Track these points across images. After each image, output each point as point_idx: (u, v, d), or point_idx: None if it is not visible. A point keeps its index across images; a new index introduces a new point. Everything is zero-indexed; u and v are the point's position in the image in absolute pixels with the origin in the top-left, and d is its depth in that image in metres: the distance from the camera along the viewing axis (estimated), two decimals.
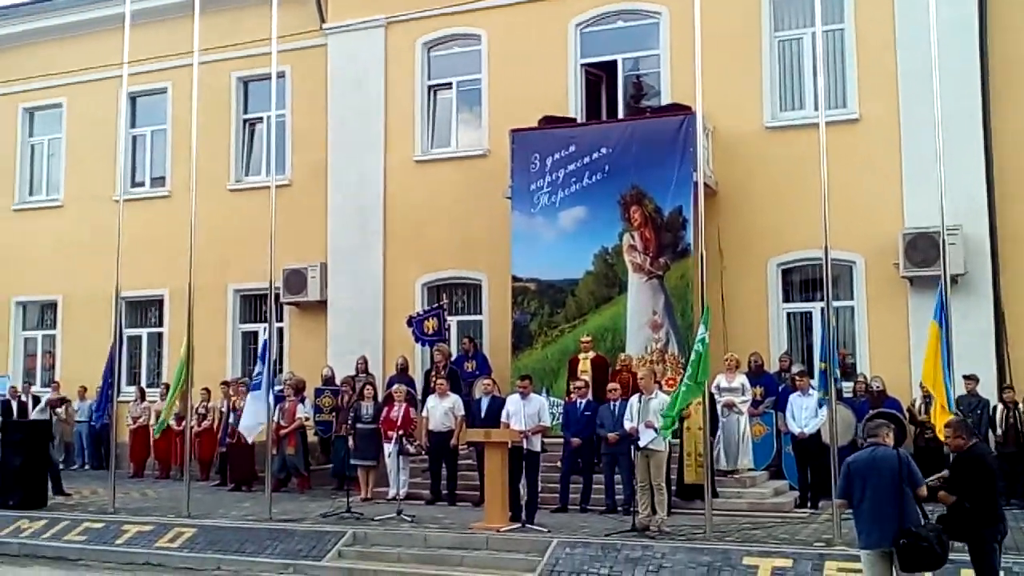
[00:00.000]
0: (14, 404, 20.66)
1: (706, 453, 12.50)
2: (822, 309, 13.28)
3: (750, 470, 14.81)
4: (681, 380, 12.27)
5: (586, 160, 16.72)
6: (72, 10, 22.46)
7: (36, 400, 21.03)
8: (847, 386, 15.26)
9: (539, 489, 13.38)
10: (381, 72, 19.35)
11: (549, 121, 17.36)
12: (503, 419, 13.66)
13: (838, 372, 13.47)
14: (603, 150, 16.64)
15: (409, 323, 17.70)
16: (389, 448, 15.02)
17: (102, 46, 20.51)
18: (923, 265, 15.04)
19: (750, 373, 15.28)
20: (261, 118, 20.85)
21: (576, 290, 16.76)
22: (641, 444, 12.32)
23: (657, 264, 16.23)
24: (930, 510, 8.02)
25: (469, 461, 15.33)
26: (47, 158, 23.44)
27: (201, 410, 18.34)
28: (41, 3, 23.02)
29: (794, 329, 16.70)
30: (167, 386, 18.14)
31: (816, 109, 13.10)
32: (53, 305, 22.76)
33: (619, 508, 13.67)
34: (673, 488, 13.44)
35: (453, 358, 17.13)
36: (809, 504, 14.10)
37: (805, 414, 14.18)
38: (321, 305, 19.39)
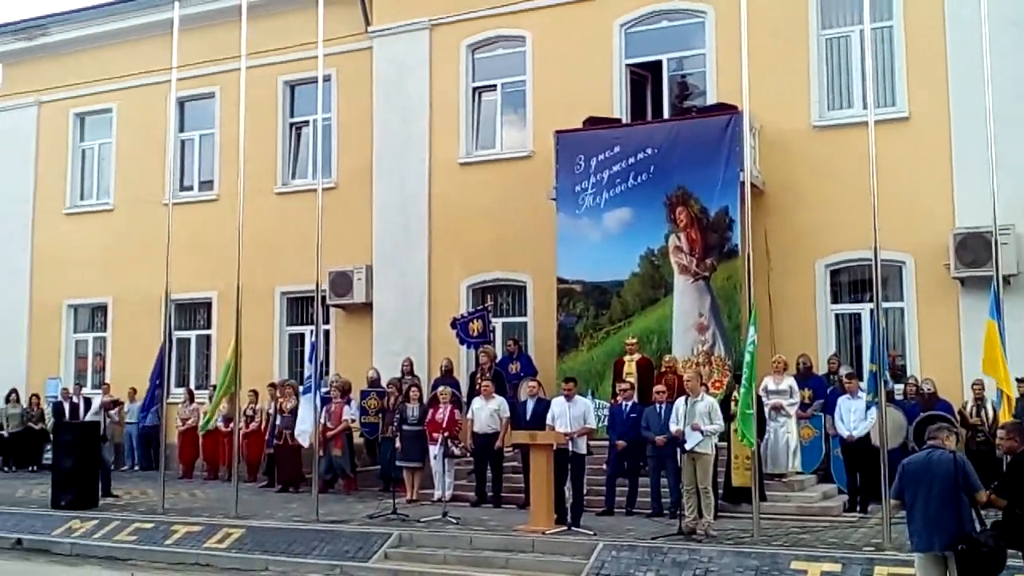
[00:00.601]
0: (66, 406, 20.97)
1: (753, 456, 12.37)
2: (871, 310, 13.11)
3: (798, 473, 14.66)
4: (740, 382, 12.09)
5: (631, 161, 16.64)
6: (121, 16, 22.78)
7: (88, 402, 21.28)
8: (897, 388, 15.05)
9: (585, 492, 13.35)
10: (426, 74, 19.41)
11: (594, 122, 17.30)
12: (548, 421, 13.64)
13: (888, 374, 13.29)
14: (648, 151, 16.55)
15: (453, 325, 17.73)
16: (434, 450, 15.05)
17: (151, 52, 20.81)
18: (974, 265, 14.79)
19: (798, 375, 15.12)
20: (307, 121, 21.01)
21: (622, 292, 16.68)
22: (687, 447, 12.22)
23: (703, 265, 16.11)
24: (985, 515, 7.87)
25: (514, 463, 15.30)
26: (98, 163, 23.77)
27: (249, 412, 18.48)
28: (91, 10, 23.39)
29: (843, 331, 16.50)
30: (215, 388, 18.30)
31: (864, 107, 12.98)
32: (103, 308, 23.08)
33: (665, 511, 13.56)
34: (720, 491, 13.34)
35: (498, 360, 17.12)
36: (858, 508, 13.91)
37: (854, 417, 13.98)
38: (367, 307, 19.48)
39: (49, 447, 19.87)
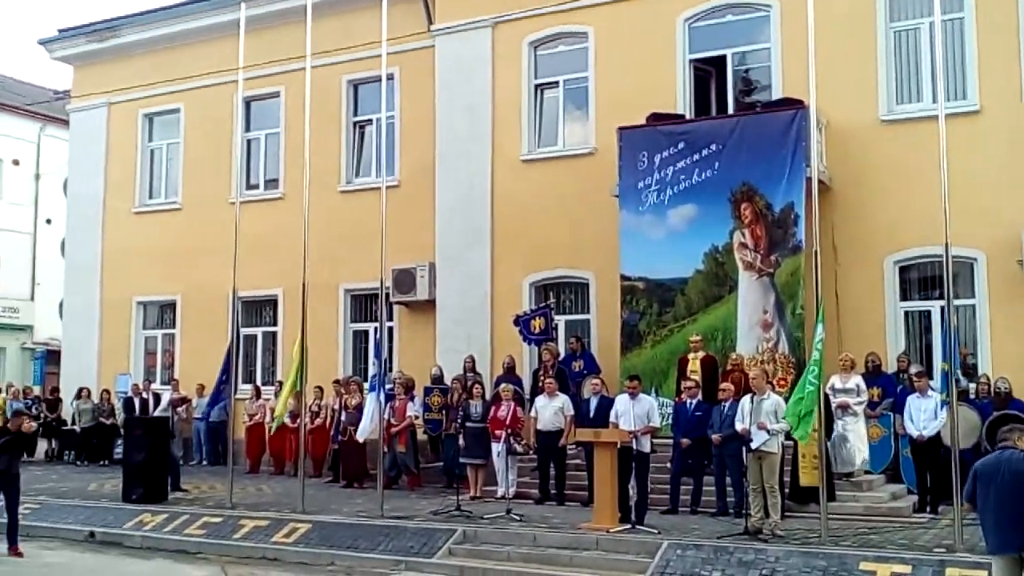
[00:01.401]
0: (136, 401, 21.37)
1: (821, 455, 12.21)
2: (942, 308, 12.88)
3: (867, 473, 14.44)
4: (803, 379, 11.93)
5: (695, 157, 16.50)
6: (188, 18, 23.14)
7: (157, 397, 21.68)
8: (970, 387, 14.74)
9: (649, 490, 13.28)
10: (488, 72, 19.42)
11: (657, 118, 17.18)
12: (612, 419, 13.61)
13: (959, 373, 13.04)
14: (713, 147, 16.40)
15: (516, 322, 17.74)
16: (497, 447, 15.08)
17: (218, 53, 21.12)
18: None
19: (867, 374, 14.90)
20: (371, 120, 21.15)
21: (686, 289, 16.56)
22: (753, 446, 12.10)
23: (768, 261, 15.93)
24: None
25: (578, 461, 15.28)
26: (166, 162, 24.14)
27: (314, 408, 18.66)
28: (159, 11, 23.77)
29: (912, 328, 16.20)
30: (281, 384, 18.52)
31: (934, 101, 12.72)
32: (172, 305, 23.46)
33: (731, 510, 13.45)
34: (787, 491, 13.19)
35: (561, 357, 17.09)
36: (928, 509, 13.68)
37: (924, 416, 13.74)
38: (430, 304, 19.57)
39: (120, 442, 20.28)
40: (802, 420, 11.61)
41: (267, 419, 19.60)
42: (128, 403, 21.56)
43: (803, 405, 11.61)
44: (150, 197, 24.19)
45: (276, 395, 18.74)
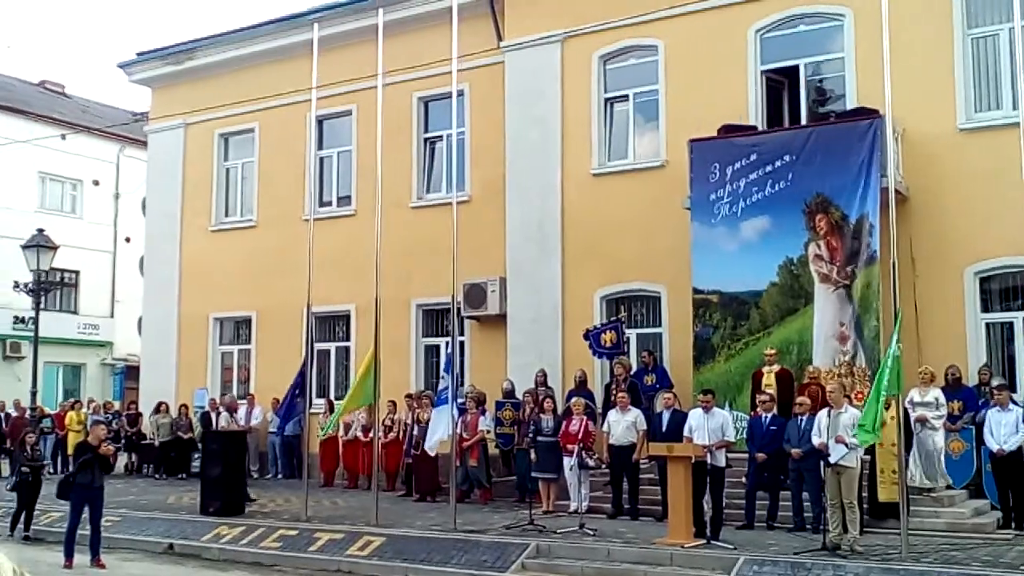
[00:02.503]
0: (213, 416, 21.70)
1: (900, 470, 11.97)
2: None
3: (948, 488, 14.13)
4: (874, 389, 11.72)
5: (768, 169, 16.33)
6: (262, 39, 23.52)
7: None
8: None
9: (724, 505, 13.13)
10: (558, 86, 19.45)
11: (729, 130, 17.04)
12: (686, 433, 13.50)
13: None
14: (786, 158, 16.21)
15: (586, 336, 17.67)
16: (569, 462, 15.03)
17: (291, 73, 21.40)
18: None
19: (948, 387, 14.57)
20: (441, 136, 21.30)
21: (760, 302, 16.38)
22: (832, 460, 11.91)
23: (844, 273, 15.69)
24: None
25: (651, 475, 15.17)
26: (241, 181, 24.54)
27: (387, 422, 18.78)
28: (234, 33, 24.22)
29: (993, 340, 15.82)
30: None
31: (1015, 108, 12.44)
32: (248, 321, 23.78)
33: (808, 526, 13.25)
34: (865, 506, 12.94)
35: (633, 371, 17.00)
36: (1013, 525, 13.32)
37: (1005, 430, 13.43)
38: (501, 319, 19.60)
39: (197, 456, 20.61)
40: (874, 429, 11.40)
41: (341, 434, 19.78)
42: (205, 417, 21.90)
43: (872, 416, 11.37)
44: (226, 215, 24.58)
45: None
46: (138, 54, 25.88)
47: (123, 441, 22.97)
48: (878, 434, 11.64)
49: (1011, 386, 14.06)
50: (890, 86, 12.20)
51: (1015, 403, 13.31)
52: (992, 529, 13.30)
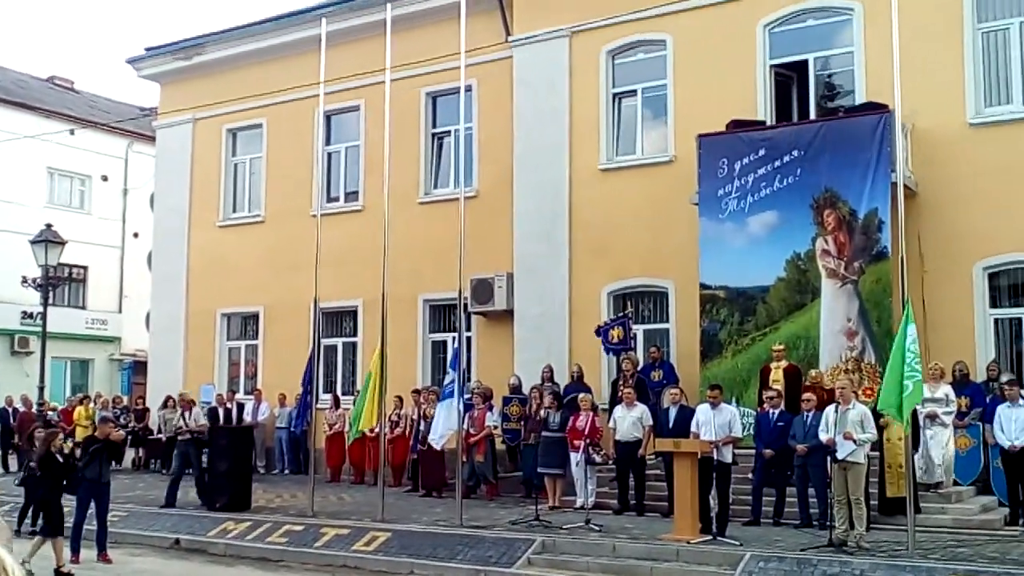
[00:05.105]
0: (220, 411, 21.69)
1: (907, 466, 11.92)
2: None
3: (955, 484, 14.07)
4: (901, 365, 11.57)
5: (777, 164, 16.28)
6: (270, 34, 23.50)
7: (240, 407, 22.02)
8: None
9: (730, 501, 13.09)
10: (566, 81, 19.40)
11: (738, 125, 16.98)
12: (693, 429, 13.46)
13: None
14: (795, 153, 16.16)
15: (598, 332, 17.61)
16: (575, 457, 15.01)
17: (299, 68, 21.36)
18: None
19: (956, 383, 14.51)
20: (449, 131, 21.25)
21: (767, 297, 16.33)
22: (839, 456, 11.86)
23: (852, 269, 15.63)
24: None
25: (657, 471, 15.14)
26: (249, 176, 24.53)
27: (394, 417, 18.76)
28: (242, 28, 24.20)
29: (1002, 336, 15.73)
30: (359, 393, 18.63)
31: None
32: (255, 316, 23.79)
33: (814, 522, 13.22)
34: (874, 502, 12.89)
35: (640, 367, 16.96)
36: (1021, 522, 13.27)
37: (1015, 426, 13.38)
38: (508, 314, 19.57)
39: (205, 451, 20.57)
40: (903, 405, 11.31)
41: (347, 428, 19.74)
42: (212, 413, 21.88)
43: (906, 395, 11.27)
44: (234, 211, 24.58)
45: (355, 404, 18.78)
46: (147, 50, 25.87)
47: (130, 436, 22.94)
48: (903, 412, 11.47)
49: (1020, 382, 13.97)
50: (899, 81, 12.15)
51: None
52: (999, 525, 13.26)
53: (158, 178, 26.48)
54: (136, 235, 37.18)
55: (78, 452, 13.12)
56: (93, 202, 37.27)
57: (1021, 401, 13.26)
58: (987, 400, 14.41)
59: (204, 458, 17.22)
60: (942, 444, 13.92)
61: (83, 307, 36.62)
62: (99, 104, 40.44)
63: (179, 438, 17.53)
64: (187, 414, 17.93)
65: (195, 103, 24.51)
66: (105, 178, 37.56)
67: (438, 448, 16.46)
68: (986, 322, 15.64)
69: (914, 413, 12.69)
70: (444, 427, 15.69)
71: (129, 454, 22.84)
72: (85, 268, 36.11)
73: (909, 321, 11.52)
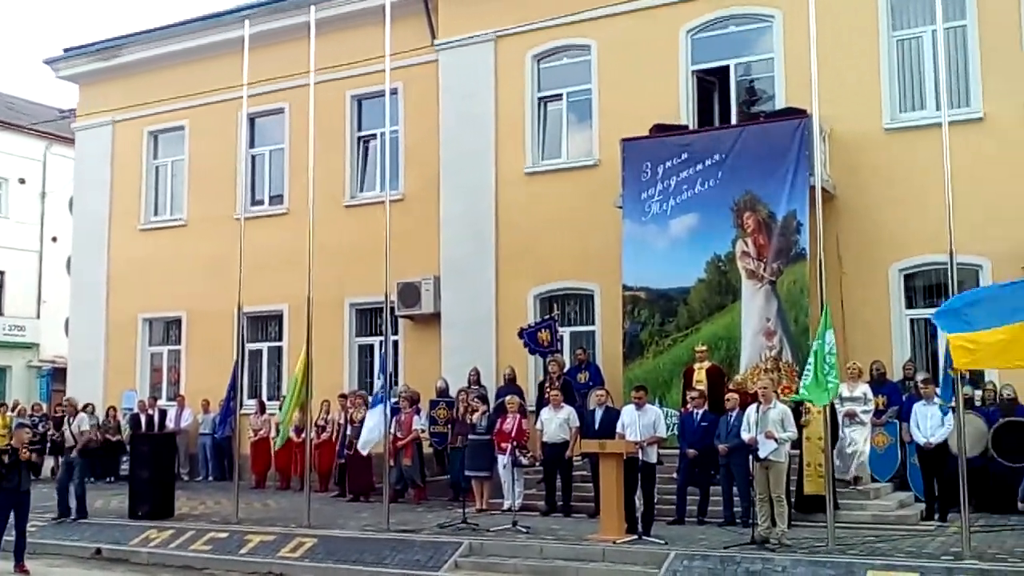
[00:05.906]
0: (142, 418, 21.37)
1: (827, 464, 12.17)
2: None
3: (873, 480, 14.41)
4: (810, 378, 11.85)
5: (698, 167, 16.52)
6: (192, 36, 23.19)
7: (163, 414, 21.69)
8: (976, 394, 14.70)
9: (655, 500, 13.24)
10: (491, 85, 19.46)
11: (661, 129, 17.20)
12: (618, 430, 13.58)
13: (967, 377, 13.00)
14: (716, 156, 16.42)
15: (520, 335, 17.70)
16: (503, 460, 15.06)
17: (222, 70, 21.08)
18: None
19: (873, 382, 14.86)
20: (375, 135, 21.17)
21: (688, 298, 16.55)
22: (761, 455, 12.07)
23: (771, 270, 15.92)
24: None
25: (583, 472, 15.25)
26: (171, 179, 24.17)
27: (320, 422, 18.64)
28: (163, 30, 23.85)
29: (918, 336, 16.15)
30: (284, 399, 18.48)
31: (938, 109, 12.71)
32: (178, 321, 23.44)
33: (737, 520, 13.43)
34: (792, 499, 13.14)
35: (566, 369, 17.07)
36: (936, 516, 13.62)
37: (930, 423, 13.72)
38: (435, 318, 19.56)
39: (126, 459, 20.25)
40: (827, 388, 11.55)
41: (272, 434, 19.57)
42: (134, 420, 21.57)
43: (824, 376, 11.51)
44: (155, 214, 24.19)
45: (280, 410, 18.66)
46: (65, 50, 25.38)
47: (49, 444, 22.45)
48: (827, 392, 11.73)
49: (935, 380, 14.35)
50: (817, 87, 12.42)
51: (940, 397, 13.57)
52: (916, 520, 13.58)
53: (77, 181, 25.98)
54: (55, 239, 36.44)
55: (6, 459, 12.77)
56: (10, 205, 36.51)
57: (936, 399, 13.59)
58: (903, 398, 14.75)
59: (124, 465, 16.87)
60: (862, 442, 14.24)
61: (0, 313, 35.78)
62: (17, 105, 39.51)
63: (66, 445, 16.86)
64: (71, 420, 16.88)
65: (115, 105, 24.11)
66: (23, 181, 36.79)
67: (364, 453, 16.37)
68: (902, 322, 16.06)
69: (833, 411, 13.01)
70: (374, 432, 15.58)
71: (48, 462, 22.31)
72: (2, 273, 35.38)
73: (828, 327, 11.76)
